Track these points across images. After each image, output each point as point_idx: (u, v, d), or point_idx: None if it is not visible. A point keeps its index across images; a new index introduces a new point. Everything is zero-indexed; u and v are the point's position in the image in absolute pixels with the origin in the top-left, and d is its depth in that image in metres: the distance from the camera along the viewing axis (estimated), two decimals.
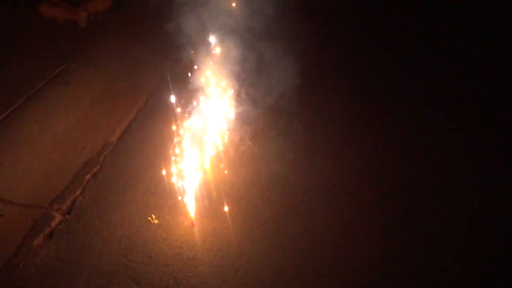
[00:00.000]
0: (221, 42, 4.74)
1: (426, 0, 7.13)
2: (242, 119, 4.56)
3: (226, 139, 4.38)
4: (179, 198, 3.71)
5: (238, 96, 4.61)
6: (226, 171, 4.07)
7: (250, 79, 4.76)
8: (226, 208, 3.67)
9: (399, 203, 3.76)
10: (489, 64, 5.70)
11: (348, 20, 6.77)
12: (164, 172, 3.89)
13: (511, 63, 5.67)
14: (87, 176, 3.97)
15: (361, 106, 5.04)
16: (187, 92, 4.42)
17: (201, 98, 4.41)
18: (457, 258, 3.31)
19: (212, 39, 4.68)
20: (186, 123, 4.24)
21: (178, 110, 4.24)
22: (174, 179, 3.78)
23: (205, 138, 4.23)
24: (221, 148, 4.28)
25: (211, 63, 4.57)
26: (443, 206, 3.75)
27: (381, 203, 3.77)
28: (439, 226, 3.56)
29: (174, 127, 4.09)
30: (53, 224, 3.50)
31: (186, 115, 4.29)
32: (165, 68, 5.10)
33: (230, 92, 4.55)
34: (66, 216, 3.58)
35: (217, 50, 4.67)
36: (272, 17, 4.80)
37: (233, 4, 4.94)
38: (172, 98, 4.24)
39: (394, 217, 3.63)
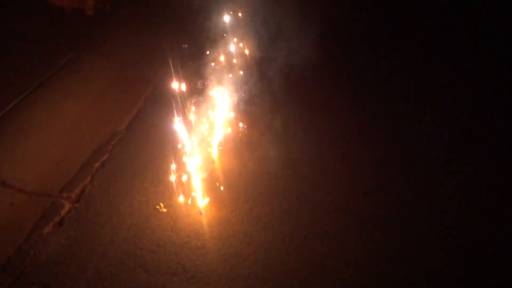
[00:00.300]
0: (227, 33, 4.75)
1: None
2: (250, 109, 4.56)
3: (234, 129, 4.38)
4: (187, 187, 3.73)
5: (246, 85, 4.61)
6: (233, 160, 4.08)
7: (257, 71, 4.76)
8: (233, 197, 3.69)
9: (405, 196, 3.76)
10: (486, 64, 5.62)
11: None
12: (172, 161, 3.91)
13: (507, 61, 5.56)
14: (96, 165, 4.00)
15: (365, 101, 5.01)
16: (195, 80, 4.43)
17: (209, 86, 4.42)
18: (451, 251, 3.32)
19: (221, 27, 4.69)
20: (194, 112, 4.24)
21: (186, 99, 4.25)
22: (182, 168, 3.80)
23: (213, 127, 4.24)
24: (229, 137, 4.29)
25: (220, 53, 4.58)
26: (451, 201, 3.75)
27: (388, 194, 3.76)
28: (446, 223, 3.56)
29: (181, 117, 4.09)
30: (63, 212, 3.55)
31: (193, 104, 4.30)
32: (173, 57, 5.09)
33: (238, 82, 4.55)
34: (76, 204, 3.62)
35: (225, 40, 4.68)
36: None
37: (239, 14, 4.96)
38: (179, 87, 4.24)
39: (400, 209, 3.62)
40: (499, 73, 5.24)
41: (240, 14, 4.99)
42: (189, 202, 3.65)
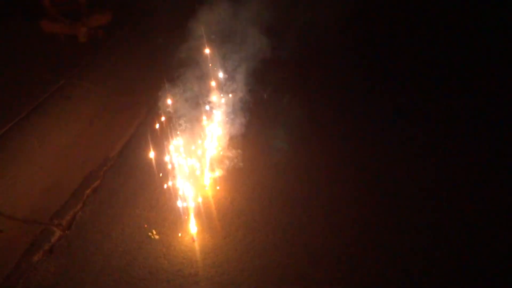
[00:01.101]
0: (219, 55, 4.82)
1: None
2: (241, 135, 4.58)
3: (226, 154, 4.39)
4: (180, 213, 3.71)
5: (239, 111, 4.64)
6: (226, 186, 4.07)
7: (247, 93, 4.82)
8: (226, 224, 3.67)
9: (396, 221, 3.77)
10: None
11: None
12: (165, 187, 3.90)
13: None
14: (87, 191, 3.97)
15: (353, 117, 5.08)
16: (188, 107, 4.44)
17: (202, 112, 4.44)
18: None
19: (212, 53, 4.74)
20: (186, 139, 4.25)
21: (179, 126, 4.26)
22: (174, 195, 3.79)
23: (206, 153, 4.25)
24: (221, 163, 4.29)
25: (211, 79, 4.62)
26: (445, 215, 3.77)
27: (381, 217, 3.76)
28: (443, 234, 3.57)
29: (173, 144, 4.10)
30: (53, 239, 3.49)
31: (186, 131, 4.30)
32: (165, 84, 5.12)
33: (232, 107, 4.59)
34: (66, 231, 3.58)
35: (217, 66, 4.73)
36: None
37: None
38: (172, 114, 4.26)
39: (396, 238, 3.62)
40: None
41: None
42: (182, 229, 3.61)
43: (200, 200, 3.86)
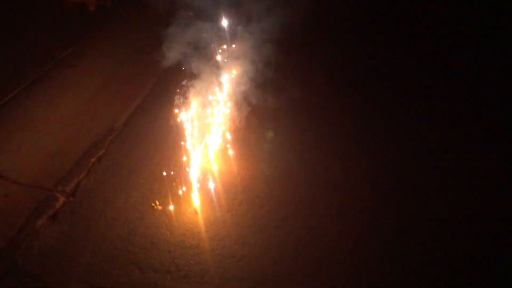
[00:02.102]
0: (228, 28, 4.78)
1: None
2: (250, 110, 4.55)
3: (232, 130, 4.37)
4: (184, 186, 3.72)
5: (246, 83, 4.61)
6: (231, 161, 4.07)
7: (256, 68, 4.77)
8: (229, 198, 3.68)
9: (397, 203, 3.76)
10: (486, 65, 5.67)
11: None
12: (169, 160, 3.90)
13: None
14: (92, 160, 3.97)
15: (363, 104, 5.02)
16: (194, 80, 4.40)
17: (209, 85, 4.41)
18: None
19: (221, 24, 4.70)
20: (192, 112, 4.23)
21: (184, 98, 4.24)
22: (179, 167, 3.79)
23: (211, 127, 4.23)
24: (227, 138, 4.28)
25: (220, 50, 4.58)
26: (447, 207, 3.76)
27: (383, 200, 3.75)
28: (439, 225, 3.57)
29: (180, 116, 4.08)
30: (57, 205, 3.51)
31: (191, 103, 4.28)
32: (173, 55, 5.08)
33: (240, 80, 4.55)
34: (70, 198, 3.59)
35: (226, 37, 4.69)
36: None
37: None
38: (178, 86, 4.23)
39: (396, 215, 3.62)
40: None
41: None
42: (185, 201, 3.62)
43: (204, 174, 3.86)
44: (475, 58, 5.74)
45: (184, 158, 3.83)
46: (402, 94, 5.13)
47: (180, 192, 3.68)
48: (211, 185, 3.78)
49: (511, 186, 3.89)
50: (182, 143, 3.92)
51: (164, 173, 3.84)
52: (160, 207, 3.55)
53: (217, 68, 4.59)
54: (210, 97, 4.35)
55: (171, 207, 3.56)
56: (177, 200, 3.63)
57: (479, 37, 6.17)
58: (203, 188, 3.76)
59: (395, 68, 5.61)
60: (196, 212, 3.54)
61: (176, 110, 4.23)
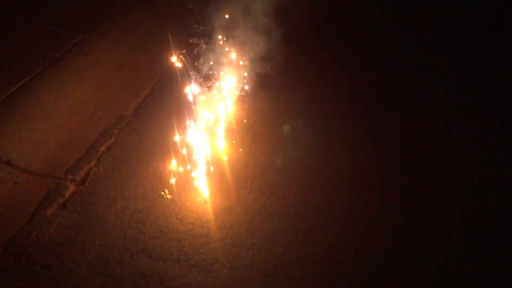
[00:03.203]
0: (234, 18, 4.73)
1: None
2: (258, 100, 4.51)
3: (242, 119, 4.33)
4: (193, 174, 3.70)
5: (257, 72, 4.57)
6: (240, 149, 4.04)
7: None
8: (239, 187, 3.66)
9: (408, 192, 3.71)
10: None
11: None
12: (179, 148, 3.88)
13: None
14: (102, 148, 3.97)
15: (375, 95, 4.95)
16: (205, 68, 4.37)
17: (218, 74, 4.37)
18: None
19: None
20: (202, 100, 4.19)
21: (194, 87, 4.20)
22: (189, 156, 3.77)
23: (220, 116, 4.20)
24: (236, 127, 4.24)
25: (229, 38, 4.54)
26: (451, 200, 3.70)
27: (394, 191, 3.71)
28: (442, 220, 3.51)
29: (189, 105, 4.05)
30: (67, 194, 3.52)
31: (202, 91, 4.25)
32: (184, 44, 5.04)
33: (248, 68, 4.51)
34: (80, 186, 3.60)
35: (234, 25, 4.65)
36: None
37: None
38: (188, 75, 4.19)
39: (406, 206, 3.57)
40: None
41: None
42: (195, 190, 3.61)
43: (214, 162, 3.84)
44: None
45: (194, 147, 3.80)
46: (421, 84, 5.03)
47: (189, 181, 3.67)
48: (221, 174, 3.76)
49: None
50: (192, 131, 3.89)
51: (174, 162, 3.83)
52: (169, 196, 3.54)
53: (230, 58, 4.55)
54: (221, 88, 4.32)
55: (181, 196, 3.55)
56: (186, 189, 3.62)
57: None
58: (213, 176, 3.74)
59: (414, 58, 5.51)
60: (205, 201, 3.52)
61: (186, 99, 4.19)
